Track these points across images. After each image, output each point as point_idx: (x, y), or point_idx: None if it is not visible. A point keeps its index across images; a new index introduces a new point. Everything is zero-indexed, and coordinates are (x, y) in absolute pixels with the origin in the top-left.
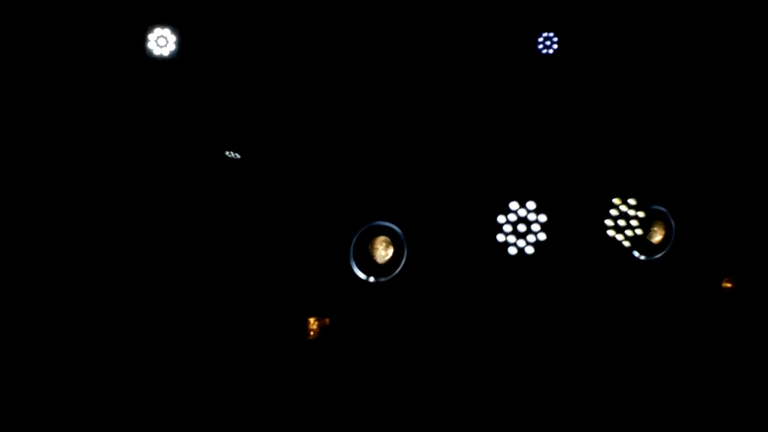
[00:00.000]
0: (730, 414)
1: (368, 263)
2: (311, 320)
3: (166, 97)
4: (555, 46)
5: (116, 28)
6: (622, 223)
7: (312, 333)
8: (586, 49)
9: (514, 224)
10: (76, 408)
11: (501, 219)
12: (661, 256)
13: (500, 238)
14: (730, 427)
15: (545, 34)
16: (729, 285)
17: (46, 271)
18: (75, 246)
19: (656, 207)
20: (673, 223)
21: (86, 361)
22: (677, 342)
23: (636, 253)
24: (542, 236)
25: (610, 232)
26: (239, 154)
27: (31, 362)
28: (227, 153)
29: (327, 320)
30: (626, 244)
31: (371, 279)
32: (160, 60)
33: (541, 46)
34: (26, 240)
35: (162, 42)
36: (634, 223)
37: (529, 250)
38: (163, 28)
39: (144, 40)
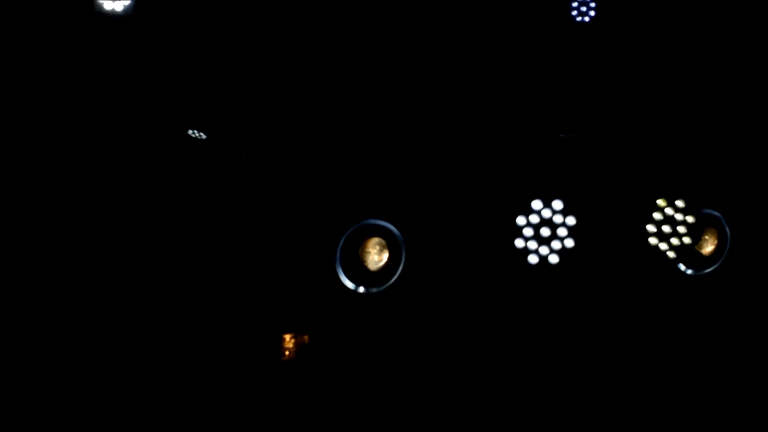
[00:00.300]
0: None
1: (358, 270)
2: (287, 337)
3: (118, 61)
4: (592, 13)
5: None
6: (667, 229)
7: (287, 353)
8: (629, 17)
9: (537, 227)
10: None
11: (521, 221)
12: (712, 271)
13: (519, 243)
14: None
15: None
16: None
17: None
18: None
19: (708, 211)
20: (728, 230)
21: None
22: (729, 372)
23: (683, 267)
24: (570, 243)
25: (653, 240)
26: (205, 133)
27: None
28: (190, 132)
29: (306, 337)
30: (671, 254)
31: (361, 289)
32: (112, 16)
33: (575, 13)
34: None
35: None
36: (681, 230)
37: (554, 259)
38: None
39: None
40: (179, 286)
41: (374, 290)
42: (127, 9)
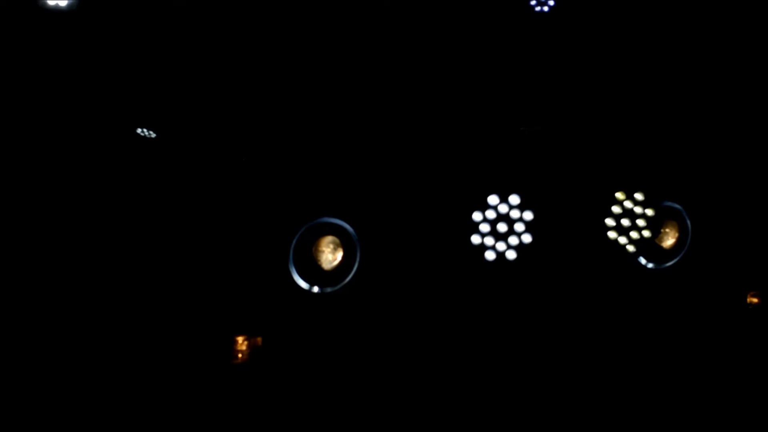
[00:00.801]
0: None
1: (312, 269)
2: (239, 339)
3: (62, 59)
4: (551, 3)
5: None
6: (626, 223)
7: (240, 355)
8: (588, 7)
9: (493, 223)
10: None
11: (477, 216)
12: (673, 264)
13: (476, 239)
14: None
15: None
16: (756, 300)
17: None
18: None
19: (668, 204)
20: (689, 223)
21: None
22: (692, 367)
23: (643, 260)
24: (527, 238)
25: (612, 234)
26: (153, 131)
27: None
28: (139, 130)
29: (259, 340)
30: (631, 248)
31: (315, 289)
32: (55, 11)
33: (534, 2)
34: None
35: None
36: (641, 223)
37: (511, 255)
38: None
39: None
40: (127, 286)
41: (329, 290)
42: (71, 4)
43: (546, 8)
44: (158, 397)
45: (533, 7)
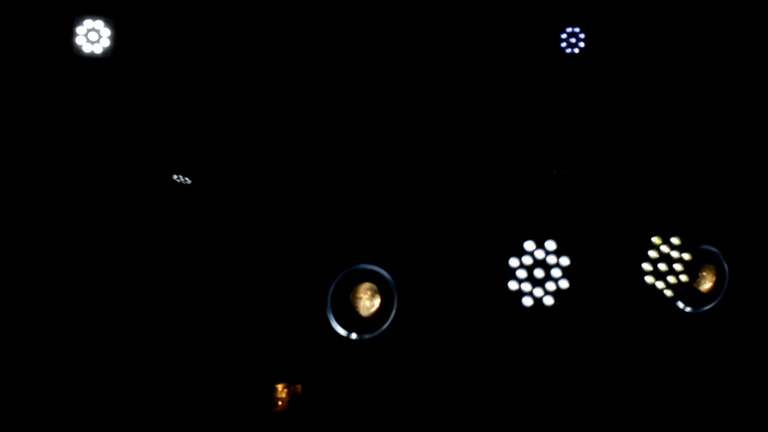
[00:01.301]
0: None
1: (350, 316)
2: (279, 387)
3: (98, 104)
4: (581, 44)
5: (38, 20)
6: (663, 267)
7: (280, 403)
8: (619, 48)
9: (530, 269)
10: None
11: (514, 262)
12: (711, 308)
13: (513, 285)
14: None
15: (570, 29)
16: None
17: None
18: None
19: (705, 247)
20: (726, 267)
21: None
22: (729, 413)
23: (681, 304)
24: (564, 284)
25: (649, 279)
26: (189, 178)
27: None
28: (175, 177)
29: (299, 387)
30: (668, 293)
31: (353, 335)
32: (91, 58)
33: (564, 44)
34: None
35: (93, 37)
36: (678, 267)
37: (548, 300)
38: (94, 21)
39: (71, 34)
40: (169, 335)
41: (366, 336)
42: (106, 52)
43: (576, 50)
44: None
45: (563, 49)
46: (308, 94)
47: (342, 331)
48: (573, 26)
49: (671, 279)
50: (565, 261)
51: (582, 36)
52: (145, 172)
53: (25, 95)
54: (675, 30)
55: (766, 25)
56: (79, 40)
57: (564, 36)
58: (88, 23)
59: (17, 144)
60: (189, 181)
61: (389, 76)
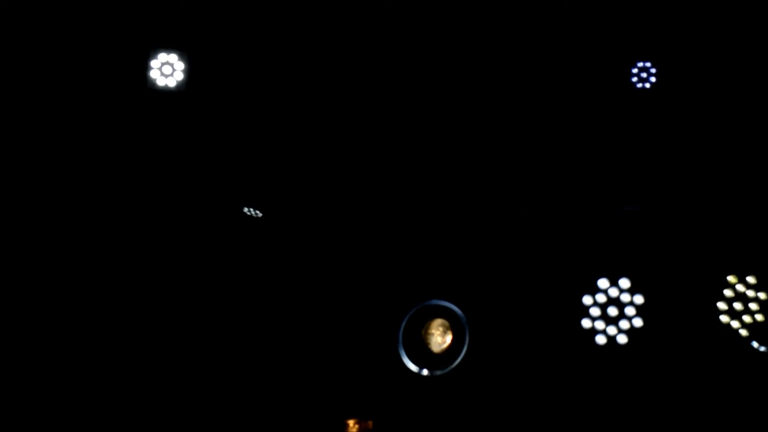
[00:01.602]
0: None
1: (421, 352)
2: (350, 423)
3: (171, 137)
4: (653, 79)
5: (112, 53)
6: (738, 306)
7: None
8: (691, 82)
9: (604, 307)
10: None
11: (587, 300)
12: None
13: (586, 323)
14: None
15: (641, 64)
16: None
17: None
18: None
19: None
20: None
21: None
22: None
23: (756, 344)
24: (638, 322)
25: (724, 318)
26: (260, 211)
27: None
28: (246, 210)
29: (370, 423)
30: (744, 332)
31: (425, 372)
32: (165, 91)
33: (635, 79)
34: None
35: (167, 70)
36: (754, 306)
37: (622, 339)
38: (168, 54)
39: (146, 68)
40: (243, 368)
41: (438, 373)
42: (180, 85)
43: (647, 84)
44: None
45: (634, 83)
46: (387, 133)
47: (413, 367)
48: (644, 61)
49: (747, 318)
50: (639, 299)
51: (653, 71)
52: (216, 205)
53: (100, 128)
54: (749, 65)
55: None
56: (153, 74)
57: (635, 71)
58: (163, 57)
59: (93, 176)
60: (260, 215)
61: (464, 109)
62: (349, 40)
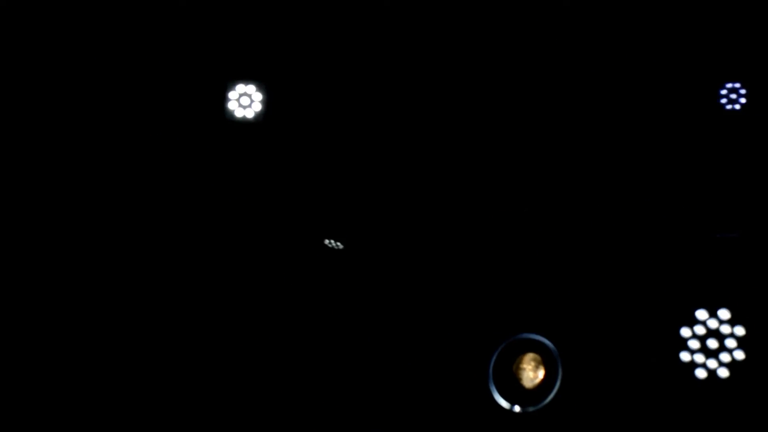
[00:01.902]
0: None
1: (513, 388)
2: None
3: (251, 168)
4: (743, 100)
5: (189, 85)
6: None
7: None
8: None
9: (703, 339)
10: None
11: (685, 332)
12: None
13: (685, 357)
14: None
15: (730, 85)
16: None
17: None
18: None
19: None
20: None
21: None
22: None
23: None
24: (740, 355)
25: None
26: (341, 243)
27: None
28: (327, 242)
29: None
30: None
31: (516, 408)
32: (243, 123)
33: (724, 100)
34: None
35: (245, 101)
36: None
37: (723, 372)
38: (246, 85)
39: (224, 99)
40: (329, 404)
41: (531, 409)
42: (258, 116)
43: (737, 106)
44: None
45: (723, 105)
46: (468, 160)
47: (505, 404)
48: (734, 82)
49: None
50: (740, 331)
51: (743, 92)
52: (296, 237)
53: (180, 159)
54: None
55: None
56: (232, 105)
57: (724, 92)
58: (240, 88)
59: (171, 207)
60: (341, 246)
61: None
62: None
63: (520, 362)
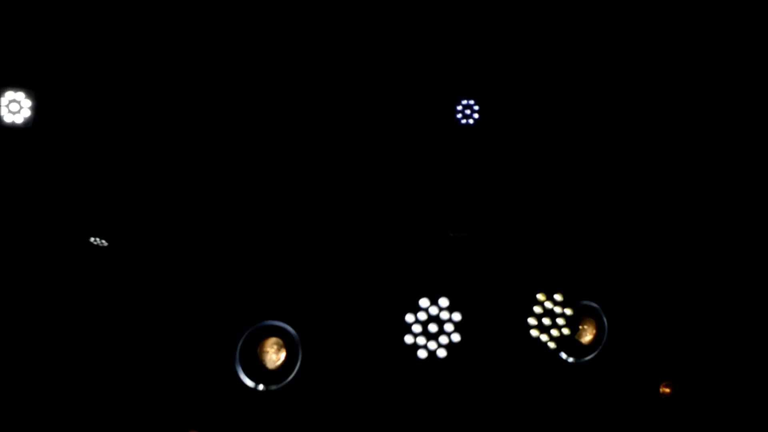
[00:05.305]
0: None
1: (257, 369)
2: None
3: (17, 171)
4: (476, 116)
5: None
6: (547, 321)
7: None
8: (510, 119)
9: (425, 324)
10: None
11: (409, 318)
12: (591, 358)
13: (409, 339)
14: None
15: (465, 102)
16: (668, 390)
17: None
18: None
19: (586, 303)
20: (605, 320)
21: None
22: None
23: (563, 355)
24: (456, 337)
25: (534, 332)
26: (106, 240)
27: None
28: (92, 239)
29: None
30: (552, 345)
31: (261, 387)
32: (11, 128)
33: (460, 116)
34: None
35: (15, 107)
36: (560, 321)
37: (442, 353)
38: (16, 92)
39: None
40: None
41: (273, 387)
42: (27, 121)
43: (471, 121)
44: None
45: (459, 120)
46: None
47: (250, 383)
48: (468, 99)
49: (555, 332)
50: (457, 316)
51: (476, 108)
52: (62, 236)
53: None
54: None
55: None
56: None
57: (459, 108)
58: (10, 94)
59: None
60: (105, 243)
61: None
62: None
63: (263, 346)
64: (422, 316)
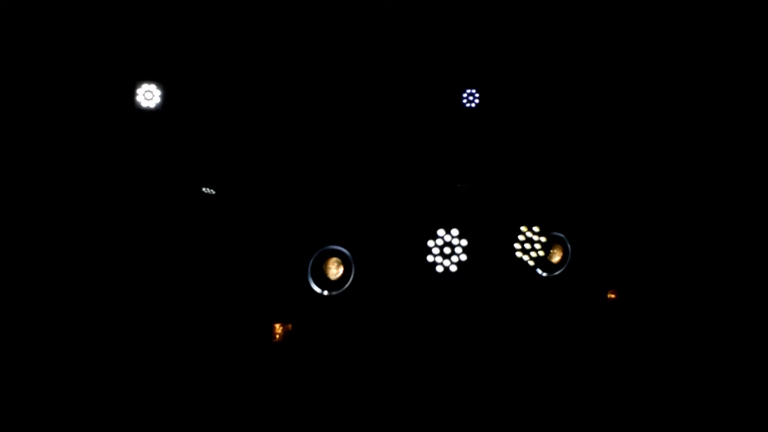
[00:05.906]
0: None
1: (323, 279)
2: (277, 326)
3: (153, 144)
4: (477, 101)
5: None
6: (527, 246)
7: (277, 336)
8: (510, 104)
9: (441, 247)
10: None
11: (430, 243)
12: (559, 274)
13: (430, 258)
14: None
15: (469, 90)
16: (613, 296)
17: None
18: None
19: (556, 233)
20: (569, 246)
21: None
22: (572, 343)
23: (539, 271)
24: (464, 257)
25: (518, 254)
26: (214, 190)
27: None
28: (204, 189)
29: (290, 326)
30: (531, 263)
31: (325, 293)
32: (147, 111)
33: (465, 101)
34: None
35: (149, 96)
36: (537, 246)
37: (453, 268)
38: (149, 84)
39: (133, 93)
40: (206, 291)
41: (334, 293)
42: (158, 106)
43: (473, 105)
44: (220, 369)
45: (465, 104)
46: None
47: (318, 290)
48: (471, 89)
49: (533, 254)
50: (464, 242)
51: (477, 95)
52: (182, 188)
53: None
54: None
55: None
56: (139, 98)
57: (465, 95)
58: (145, 86)
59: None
60: (213, 192)
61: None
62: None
63: (327, 263)
64: (439, 242)
